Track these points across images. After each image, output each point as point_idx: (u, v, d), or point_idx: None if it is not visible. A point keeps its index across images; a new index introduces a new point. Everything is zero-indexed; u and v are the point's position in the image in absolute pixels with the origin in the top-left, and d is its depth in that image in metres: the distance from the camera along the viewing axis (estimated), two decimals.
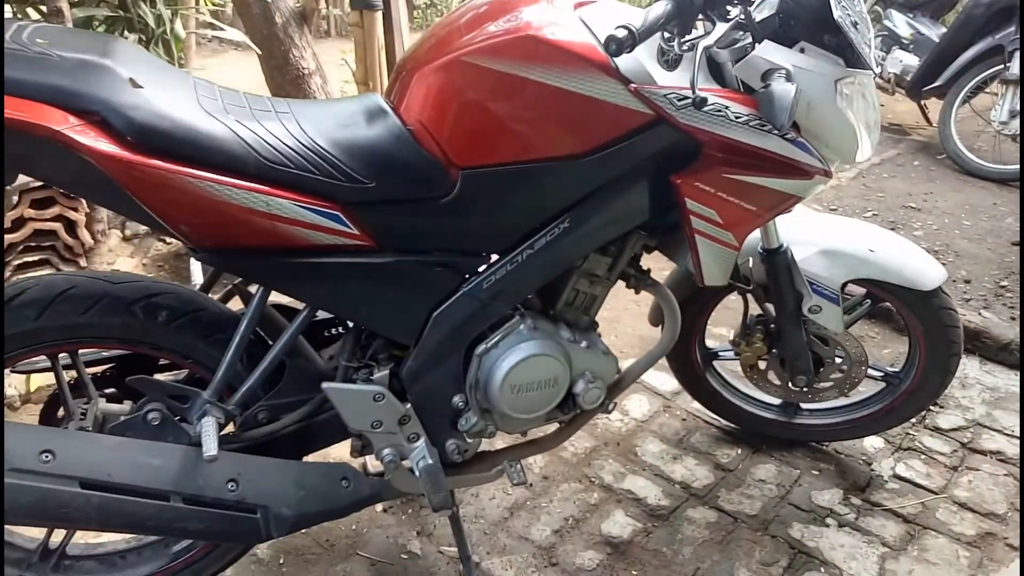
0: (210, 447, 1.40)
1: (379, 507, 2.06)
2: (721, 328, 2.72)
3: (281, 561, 1.89)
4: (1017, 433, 2.37)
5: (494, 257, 1.56)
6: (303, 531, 1.96)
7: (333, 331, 1.78)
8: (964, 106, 4.64)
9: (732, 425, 2.38)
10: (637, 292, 1.81)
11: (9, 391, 2.29)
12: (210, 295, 1.64)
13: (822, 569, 1.92)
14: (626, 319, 2.72)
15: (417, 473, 1.61)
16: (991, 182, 4.39)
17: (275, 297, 1.51)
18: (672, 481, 2.20)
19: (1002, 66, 4.43)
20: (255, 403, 1.58)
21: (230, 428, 1.59)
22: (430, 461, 1.60)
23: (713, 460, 2.28)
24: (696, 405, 2.42)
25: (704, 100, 1.38)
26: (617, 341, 2.84)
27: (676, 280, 2.09)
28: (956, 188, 4.28)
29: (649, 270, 1.80)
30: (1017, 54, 4.33)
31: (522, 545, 1.97)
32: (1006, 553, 1.96)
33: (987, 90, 4.75)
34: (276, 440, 1.61)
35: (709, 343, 2.28)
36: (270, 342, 1.56)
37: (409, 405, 1.58)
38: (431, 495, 1.61)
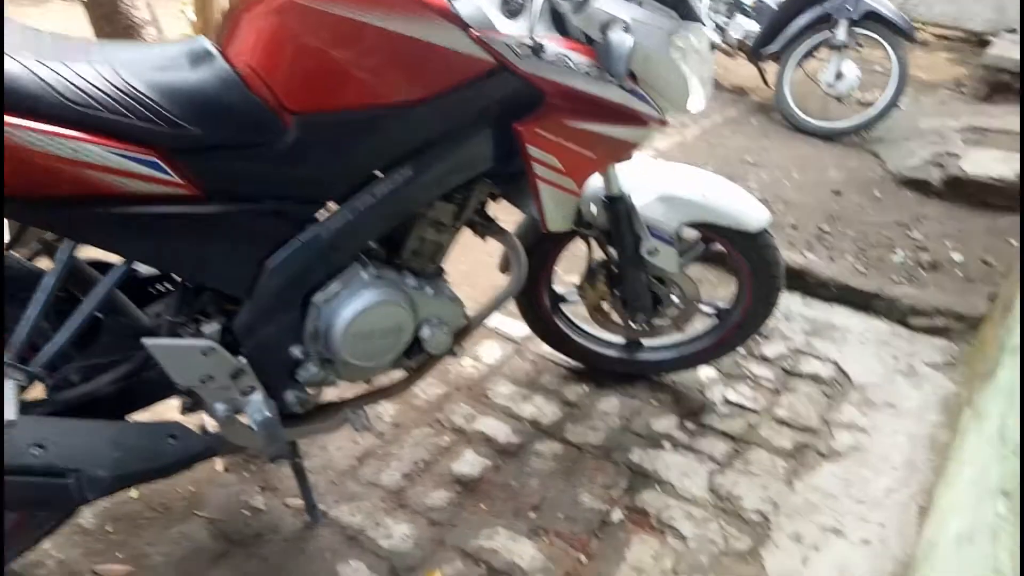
0: (8, 412, 1.31)
1: (219, 466, 2.01)
2: (572, 275, 2.82)
3: (109, 529, 1.80)
4: (830, 357, 2.61)
5: (332, 205, 1.53)
6: (134, 496, 1.89)
7: (160, 287, 1.69)
8: (798, 70, 4.96)
9: (579, 365, 2.48)
10: (484, 239, 1.84)
11: None
12: (17, 252, 1.52)
13: (657, 487, 2.05)
14: (482, 271, 2.75)
15: (253, 426, 1.57)
16: (818, 138, 4.75)
17: (96, 255, 1.42)
18: (521, 419, 2.27)
19: (829, 33, 4.77)
20: (67, 364, 1.49)
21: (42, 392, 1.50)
22: (267, 414, 1.56)
23: (561, 397, 2.37)
24: (546, 348, 2.50)
25: (541, 47, 1.41)
26: (473, 292, 2.86)
27: (523, 228, 2.13)
28: (788, 144, 4.60)
29: (495, 218, 1.83)
30: (843, 22, 4.66)
31: (371, 491, 1.98)
32: (816, 460, 2.17)
33: (818, 55, 5.09)
34: (96, 401, 1.52)
35: (557, 288, 2.36)
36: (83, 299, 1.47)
37: (243, 358, 1.54)
38: (267, 447, 1.58)
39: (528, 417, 2.28)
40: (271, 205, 1.45)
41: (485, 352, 2.55)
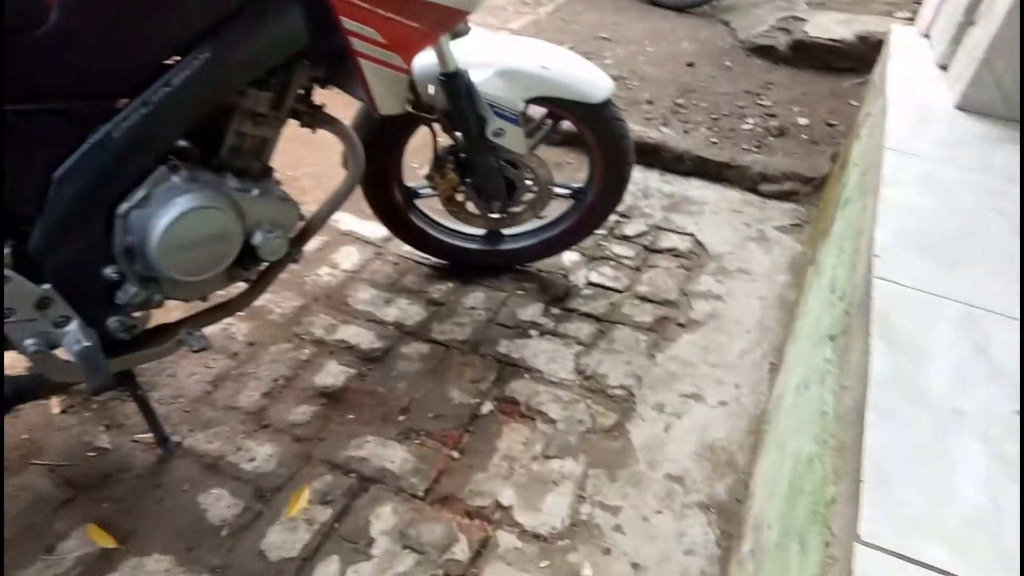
0: None
1: (56, 408, 1.83)
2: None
3: None
4: (688, 230, 2.67)
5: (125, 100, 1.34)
6: None
7: None
8: None
9: (442, 262, 2.41)
10: (313, 130, 1.68)
11: None
12: None
13: (526, 375, 2.06)
14: (334, 172, 2.58)
15: (73, 359, 1.41)
16: (671, 10, 4.71)
17: None
18: (385, 324, 2.20)
19: None
20: None
21: None
22: (86, 344, 1.41)
23: (425, 297, 2.31)
24: (406, 248, 2.41)
25: None
26: (325, 195, 2.70)
27: (360, 117, 1.98)
28: (641, 18, 4.54)
29: (323, 105, 1.68)
30: None
31: (228, 415, 1.88)
32: (676, 332, 2.24)
33: None
34: None
35: (409, 183, 2.24)
36: None
37: (48, 285, 1.36)
38: (91, 381, 1.43)
39: (392, 321, 2.21)
40: (50, 104, 1.25)
41: (342, 258, 2.43)
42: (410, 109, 1.80)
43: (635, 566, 1.65)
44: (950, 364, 1.12)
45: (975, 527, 0.91)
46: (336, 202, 1.74)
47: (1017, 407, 1.07)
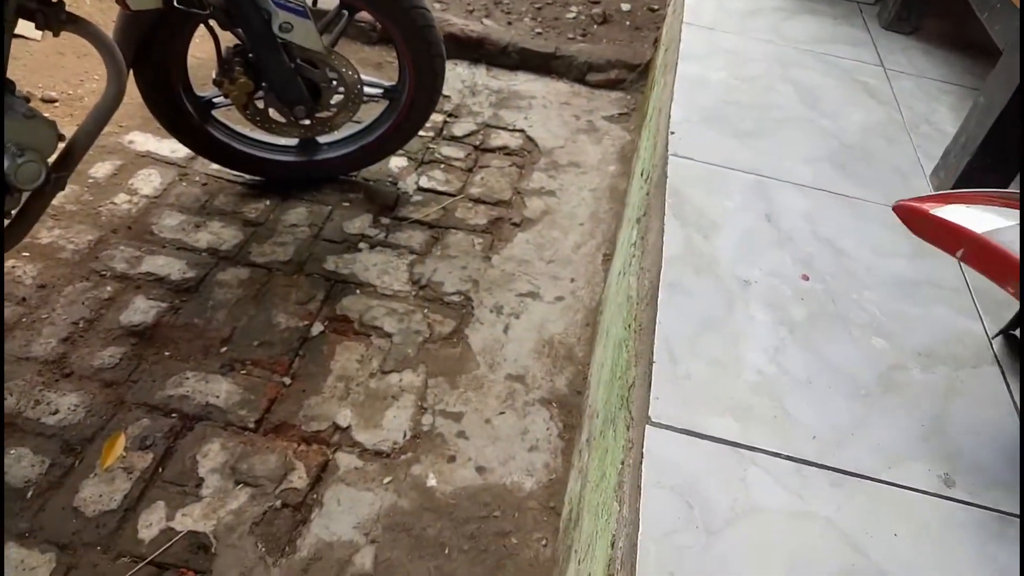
0: None
1: None
2: None
3: None
4: (518, 126, 2.61)
5: None
6: None
7: None
8: None
9: (256, 178, 2.23)
10: (55, 33, 1.45)
11: None
12: None
13: (358, 291, 1.98)
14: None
15: None
16: None
17: None
18: (197, 250, 2.02)
19: None
20: None
21: None
22: None
23: (241, 218, 2.13)
24: (215, 167, 2.21)
25: None
26: (114, 114, 2.42)
27: (124, 19, 1.73)
28: None
29: (62, 3, 1.44)
30: None
31: (22, 367, 1.68)
32: (511, 231, 2.21)
33: None
34: None
35: (202, 93, 2.02)
36: None
37: None
38: None
39: (204, 246, 2.03)
40: None
41: (141, 183, 2.19)
42: (176, 3, 1.58)
43: (480, 469, 1.65)
44: (738, 235, 1.14)
45: (761, 395, 0.94)
46: (99, 118, 1.53)
47: (803, 272, 1.10)
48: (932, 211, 0.89)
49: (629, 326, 1.14)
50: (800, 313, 1.05)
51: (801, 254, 1.14)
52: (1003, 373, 1.02)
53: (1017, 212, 0.81)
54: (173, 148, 2.28)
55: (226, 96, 1.93)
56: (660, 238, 1.11)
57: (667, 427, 0.87)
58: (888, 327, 1.05)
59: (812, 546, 0.79)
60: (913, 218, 0.92)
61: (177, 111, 1.95)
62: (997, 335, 1.08)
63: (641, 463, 0.82)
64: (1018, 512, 0.86)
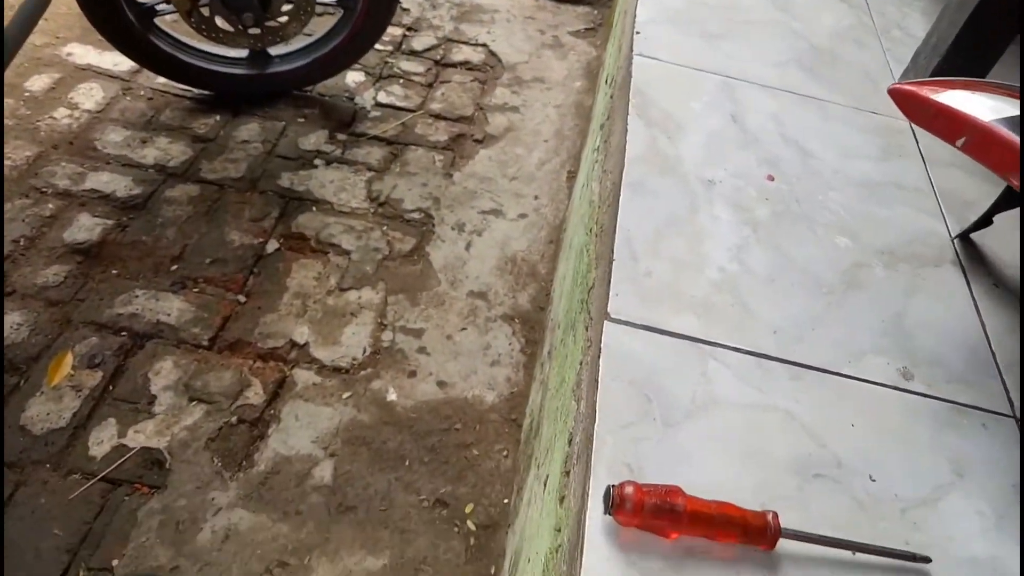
0: None
1: None
2: None
3: None
4: (480, 40, 2.51)
5: None
6: None
7: None
8: None
9: (205, 92, 2.13)
10: None
11: None
12: None
13: (313, 208, 1.91)
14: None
15: None
16: None
17: None
18: (144, 167, 1.93)
19: None
20: None
21: None
22: None
23: (190, 133, 2.04)
24: (161, 80, 2.10)
25: None
26: (49, 25, 2.27)
27: None
28: None
29: None
30: None
31: None
32: (473, 148, 2.15)
33: None
34: None
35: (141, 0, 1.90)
36: None
37: None
38: None
39: (151, 163, 1.94)
40: None
41: (82, 97, 2.07)
42: None
43: (441, 384, 1.64)
44: (703, 136, 1.11)
45: (723, 292, 0.92)
46: (23, 23, 1.41)
47: (768, 172, 1.07)
48: (932, 96, 0.85)
49: (591, 230, 1.10)
50: (764, 213, 1.02)
51: (767, 155, 1.11)
52: (964, 272, 1.02)
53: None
54: (116, 61, 2.15)
55: (168, 2, 1.81)
56: (623, 139, 1.07)
57: (626, 323, 0.84)
58: (852, 227, 1.03)
59: (771, 437, 0.78)
60: (910, 103, 0.89)
61: (117, 19, 1.83)
62: (959, 235, 1.07)
63: (599, 358, 0.80)
64: (974, 403, 0.86)
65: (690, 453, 0.75)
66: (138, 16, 1.87)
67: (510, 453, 1.56)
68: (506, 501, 1.50)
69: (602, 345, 0.81)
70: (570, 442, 0.86)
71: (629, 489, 0.67)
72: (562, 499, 0.83)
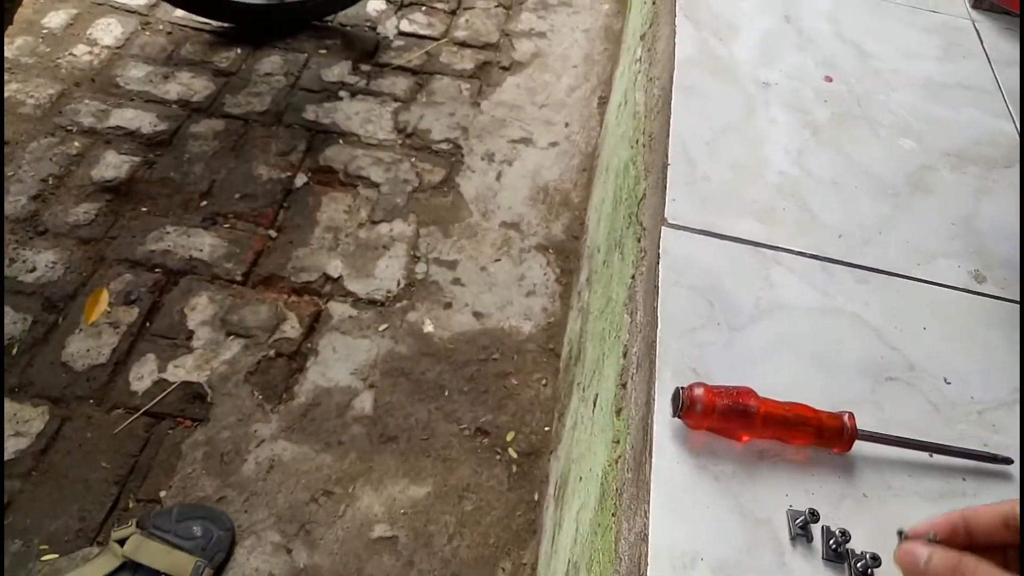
0: None
1: None
2: None
3: None
4: None
5: None
6: None
7: None
8: None
9: (226, 25, 2.07)
10: None
11: None
12: None
13: (340, 141, 1.87)
14: None
15: None
16: None
17: None
18: (168, 103, 1.89)
19: None
20: None
21: None
22: None
23: (211, 68, 1.99)
24: (180, 13, 2.04)
25: None
26: None
27: None
28: None
29: None
30: None
31: None
32: (500, 75, 2.08)
33: None
34: None
35: None
36: None
37: None
38: None
39: (175, 98, 1.90)
40: None
41: (101, 32, 2.02)
42: None
43: (477, 315, 1.62)
44: (757, 37, 1.05)
45: (784, 196, 0.88)
46: None
47: (826, 74, 1.02)
48: None
49: (637, 141, 1.06)
50: (824, 115, 0.97)
51: (824, 56, 1.05)
52: None
53: None
54: None
55: None
56: (671, 43, 1.01)
57: (684, 228, 0.81)
58: (916, 128, 0.98)
59: (839, 340, 0.75)
60: None
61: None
62: None
63: (657, 264, 0.77)
64: None
65: (757, 357, 0.72)
66: None
67: (549, 382, 1.54)
68: (547, 429, 1.49)
69: (660, 251, 0.78)
70: (624, 354, 0.83)
71: (699, 390, 0.64)
72: (619, 411, 0.81)
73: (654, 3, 1.21)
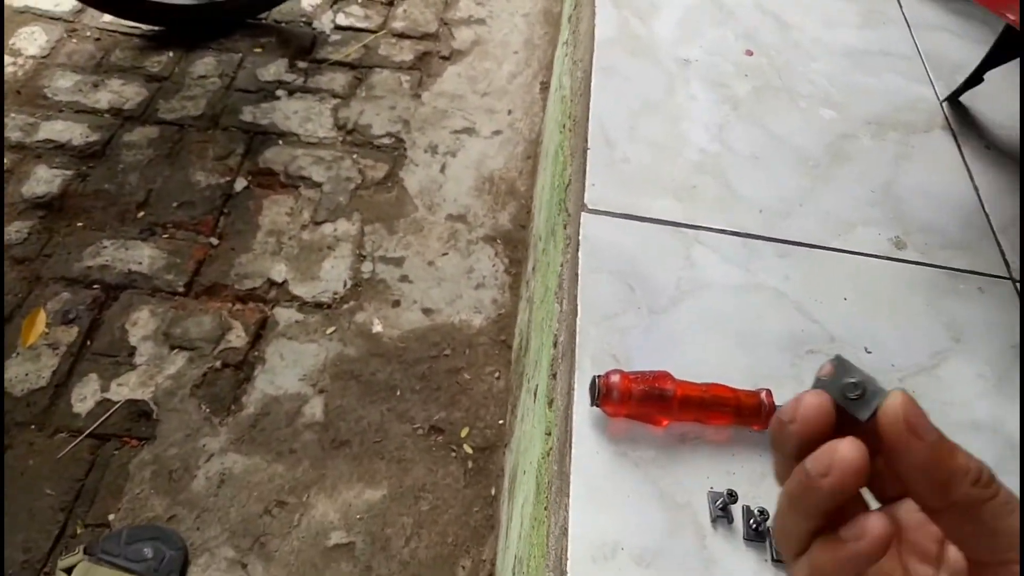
0: None
1: None
2: None
3: None
4: None
5: None
6: None
7: None
8: None
9: (156, 28, 2.02)
10: None
11: None
12: None
13: (280, 141, 1.83)
14: None
15: None
16: None
17: None
18: (98, 112, 1.84)
19: None
20: None
21: None
22: None
23: (143, 73, 1.94)
24: (107, 18, 1.99)
25: None
26: None
27: None
28: None
29: None
30: None
31: None
32: (440, 65, 2.05)
33: None
34: None
35: None
36: None
37: None
38: None
39: (106, 107, 1.85)
40: None
41: (25, 42, 1.96)
42: None
43: (427, 311, 1.60)
44: (678, 13, 1.04)
45: (705, 173, 0.87)
46: None
47: (746, 47, 1.01)
48: None
49: (564, 126, 1.04)
50: (744, 89, 0.96)
51: (744, 29, 1.04)
52: (955, 136, 0.97)
53: None
54: (56, 1, 2.03)
55: None
56: (592, 23, 1.00)
57: (604, 213, 0.80)
58: (837, 98, 0.98)
59: (761, 316, 0.75)
60: None
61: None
62: (948, 98, 1.01)
63: (578, 251, 0.76)
64: (970, 268, 0.82)
65: (678, 339, 0.71)
66: None
67: (502, 374, 1.53)
68: (501, 422, 1.48)
69: (580, 238, 0.77)
70: (555, 344, 0.82)
71: (615, 377, 0.64)
72: (551, 402, 0.80)
73: None
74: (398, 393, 1.47)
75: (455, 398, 1.49)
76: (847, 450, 0.29)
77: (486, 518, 1.35)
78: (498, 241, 1.73)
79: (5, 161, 1.72)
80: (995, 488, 0.29)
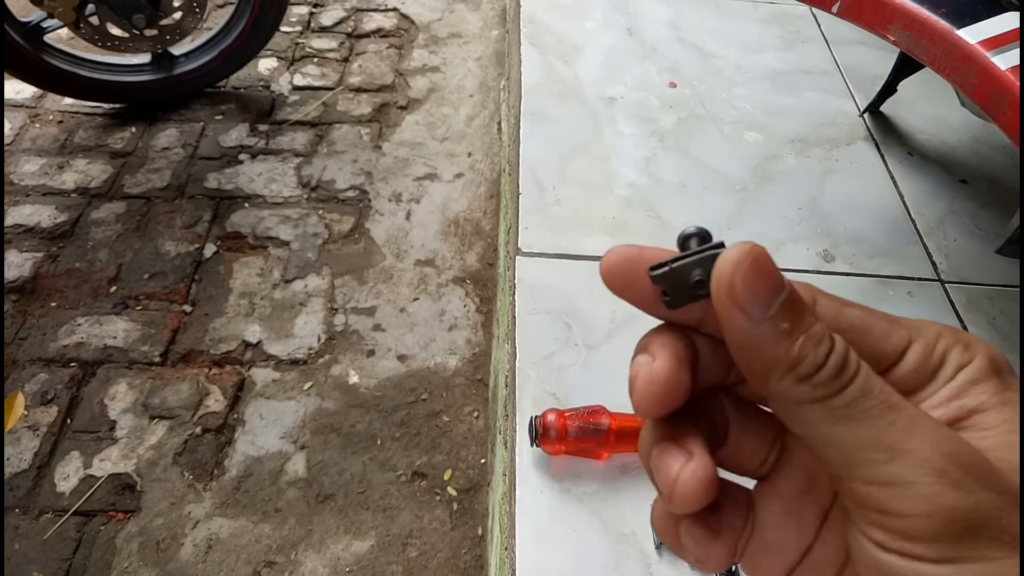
0: None
1: None
2: None
3: None
4: (390, 5, 2.44)
5: None
6: None
7: None
8: None
9: (116, 106, 2.06)
10: None
11: None
12: None
13: (246, 204, 1.87)
14: None
15: None
16: None
17: None
18: (65, 192, 1.88)
19: None
20: None
21: None
22: None
23: (107, 150, 1.98)
24: (68, 100, 2.03)
25: None
26: None
27: None
28: None
29: None
30: None
31: None
32: (398, 115, 2.10)
33: None
34: None
35: (25, 18, 1.82)
36: None
37: None
38: None
39: (73, 187, 1.89)
40: None
41: None
42: None
43: (402, 357, 1.62)
44: (601, 53, 1.08)
45: (635, 206, 0.90)
46: None
47: (670, 80, 1.05)
48: None
49: (504, 171, 1.08)
50: (670, 121, 1.00)
51: (667, 63, 1.08)
52: (877, 146, 1.00)
53: None
54: (16, 89, 2.08)
55: (52, 16, 1.74)
56: (519, 70, 1.04)
57: (538, 255, 0.83)
58: (760, 120, 1.01)
59: None
60: None
61: (2, 44, 1.76)
62: (867, 109, 1.05)
63: (514, 295, 0.78)
64: (898, 274, 0.85)
65: (615, 372, 0.74)
66: (24, 36, 1.79)
67: (480, 413, 1.55)
68: (483, 461, 1.49)
69: (516, 281, 0.80)
70: (506, 384, 0.85)
71: (551, 416, 0.66)
72: (506, 443, 0.82)
73: (507, 31, 1.24)
74: (379, 442, 1.49)
75: (436, 441, 1.51)
76: (684, 480, 0.24)
77: (475, 558, 1.36)
78: (468, 281, 1.76)
79: None
80: (835, 386, 0.22)
